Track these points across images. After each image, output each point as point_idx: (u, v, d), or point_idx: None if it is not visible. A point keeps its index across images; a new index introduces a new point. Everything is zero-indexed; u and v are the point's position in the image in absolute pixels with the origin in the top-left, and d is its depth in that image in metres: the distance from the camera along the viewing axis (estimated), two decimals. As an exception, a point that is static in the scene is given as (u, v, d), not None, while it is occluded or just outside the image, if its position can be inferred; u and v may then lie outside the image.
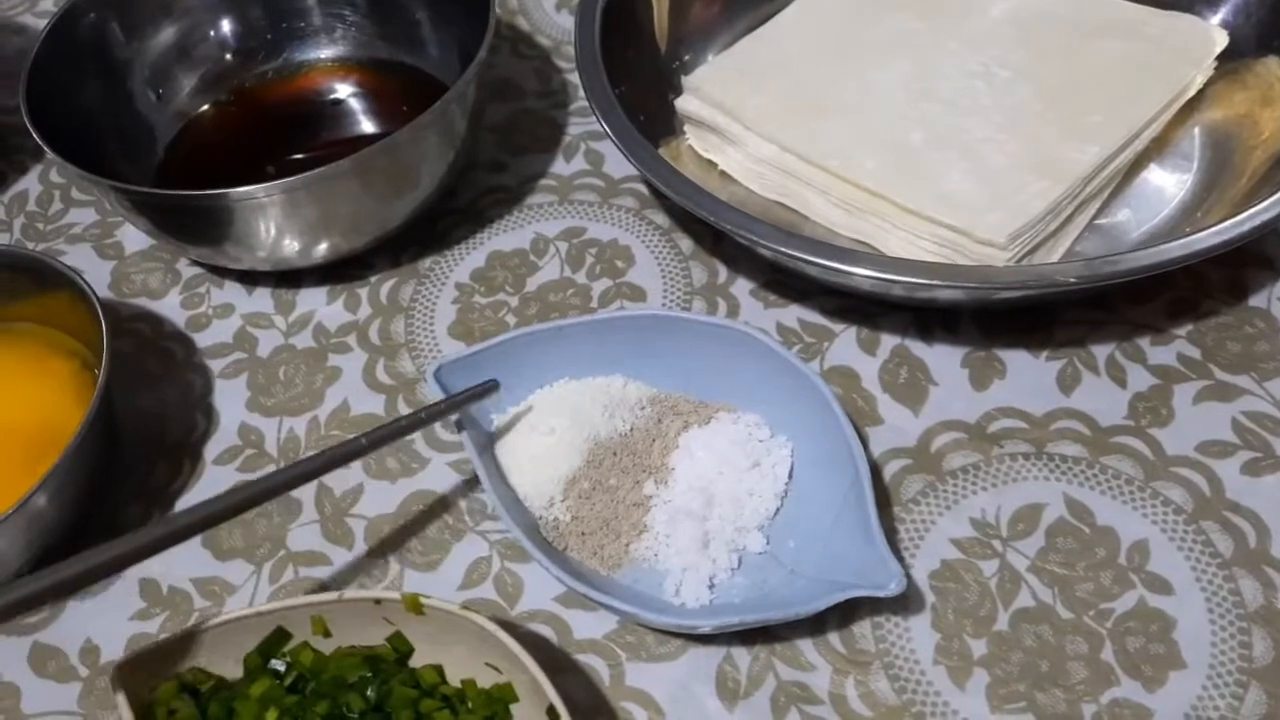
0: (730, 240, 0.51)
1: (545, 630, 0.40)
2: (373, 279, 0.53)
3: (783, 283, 0.50)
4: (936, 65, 0.52)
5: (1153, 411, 0.44)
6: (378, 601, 0.37)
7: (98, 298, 0.44)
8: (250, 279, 0.54)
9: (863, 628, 0.39)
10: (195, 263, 0.55)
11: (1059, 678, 0.37)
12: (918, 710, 0.37)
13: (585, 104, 0.55)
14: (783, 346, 0.43)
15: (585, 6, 0.54)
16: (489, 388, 0.43)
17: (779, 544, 0.41)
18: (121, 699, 0.35)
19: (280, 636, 0.37)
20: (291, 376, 0.50)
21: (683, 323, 0.45)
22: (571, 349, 0.45)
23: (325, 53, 0.63)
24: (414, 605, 0.36)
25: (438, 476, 0.45)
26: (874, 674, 0.38)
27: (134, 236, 0.57)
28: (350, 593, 0.38)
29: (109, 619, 0.43)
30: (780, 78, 0.53)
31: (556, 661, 0.39)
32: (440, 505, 0.44)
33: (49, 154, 0.48)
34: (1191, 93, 0.51)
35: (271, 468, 0.47)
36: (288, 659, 0.37)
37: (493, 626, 0.35)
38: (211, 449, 0.48)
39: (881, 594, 0.36)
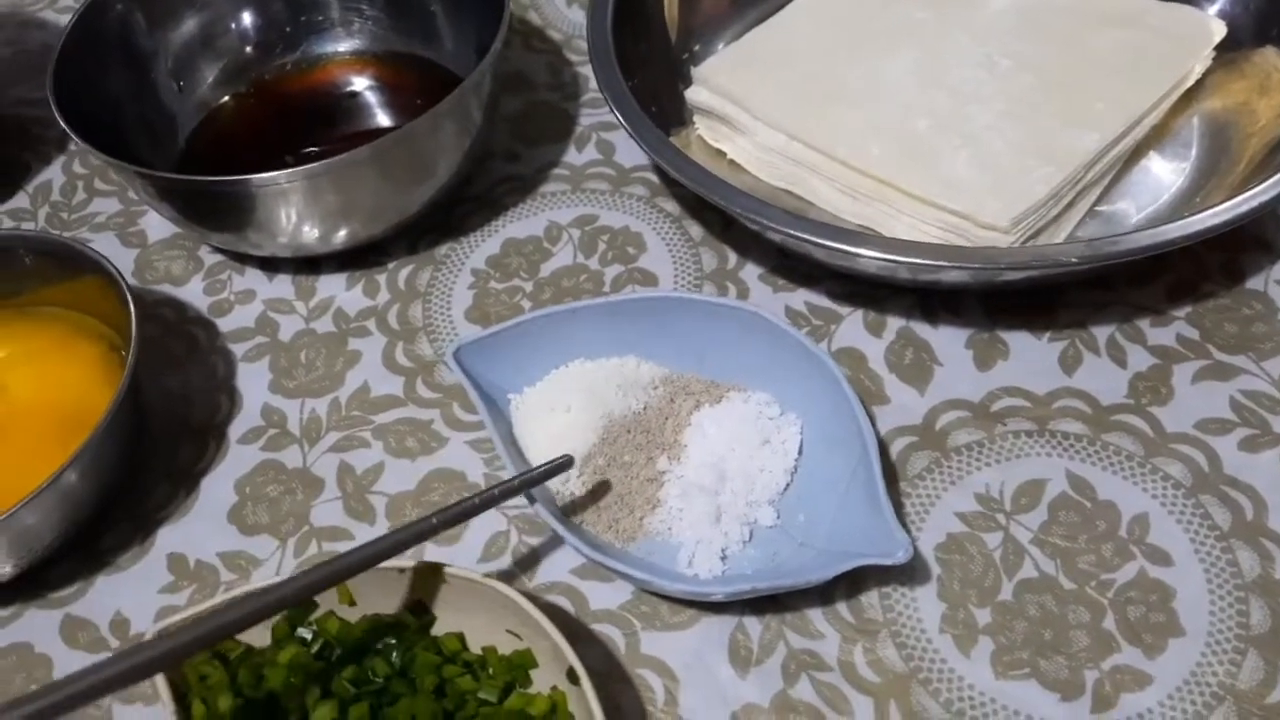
0: (739, 226, 0.52)
1: (562, 601, 0.42)
2: (391, 265, 0.55)
3: (791, 267, 0.51)
4: (942, 54, 0.53)
5: (1152, 390, 0.45)
6: (401, 571, 0.38)
7: (126, 282, 0.46)
8: (271, 266, 0.56)
9: (870, 598, 0.40)
10: (217, 250, 0.57)
11: (1061, 645, 0.39)
12: (924, 677, 0.38)
13: (596, 96, 0.57)
14: (792, 327, 0.44)
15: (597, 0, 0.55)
16: (563, 464, 0.41)
17: (789, 518, 0.42)
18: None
19: (307, 605, 0.38)
20: (313, 360, 0.51)
21: (694, 304, 0.46)
22: (586, 330, 0.46)
23: (342, 46, 0.64)
24: (436, 574, 0.37)
25: (456, 454, 0.47)
26: (882, 642, 0.39)
27: (157, 225, 0.59)
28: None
29: (138, 592, 0.44)
30: (788, 68, 0.54)
31: (574, 631, 0.40)
32: (459, 482, 0.46)
33: (74, 144, 0.50)
34: (1190, 82, 0.52)
35: (294, 448, 0.48)
36: (314, 627, 0.38)
37: (513, 593, 0.36)
38: (236, 429, 0.49)
39: (889, 562, 0.37)
